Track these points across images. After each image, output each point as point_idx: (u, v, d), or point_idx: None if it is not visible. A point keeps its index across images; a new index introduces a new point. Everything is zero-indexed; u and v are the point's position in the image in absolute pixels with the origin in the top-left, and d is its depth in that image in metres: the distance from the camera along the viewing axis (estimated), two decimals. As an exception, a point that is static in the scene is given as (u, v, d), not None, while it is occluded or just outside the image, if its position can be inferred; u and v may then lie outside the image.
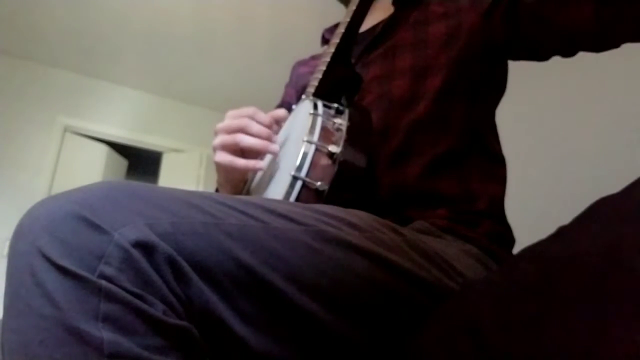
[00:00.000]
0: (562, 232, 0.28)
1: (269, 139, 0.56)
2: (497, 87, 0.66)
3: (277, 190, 0.50)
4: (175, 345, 0.27)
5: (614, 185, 0.30)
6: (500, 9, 0.59)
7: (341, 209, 0.41)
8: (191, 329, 0.28)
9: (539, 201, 2.15)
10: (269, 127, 0.57)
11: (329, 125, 0.51)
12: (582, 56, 0.57)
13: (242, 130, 0.56)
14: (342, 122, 0.52)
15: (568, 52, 0.55)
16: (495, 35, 0.60)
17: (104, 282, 0.25)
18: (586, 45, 0.53)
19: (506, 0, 0.58)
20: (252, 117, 0.57)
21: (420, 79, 0.61)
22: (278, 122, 0.62)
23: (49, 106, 3.19)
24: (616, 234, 0.23)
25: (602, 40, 0.51)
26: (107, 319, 0.25)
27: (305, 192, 0.47)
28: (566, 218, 0.29)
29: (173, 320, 0.27)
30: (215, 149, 0.58)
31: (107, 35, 2.85)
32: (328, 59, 0.60)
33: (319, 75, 0.60)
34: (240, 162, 0.55)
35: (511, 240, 0.60)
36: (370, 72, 0.65)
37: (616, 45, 0.51)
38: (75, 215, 0.27)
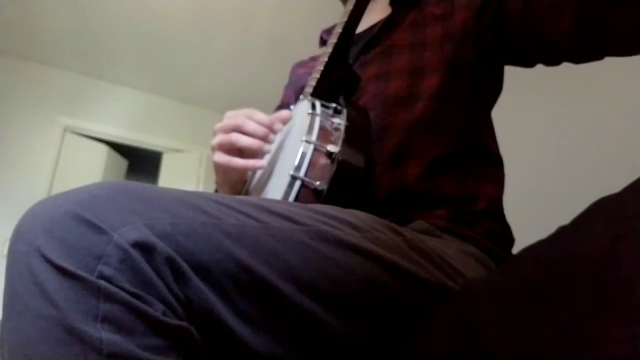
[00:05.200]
0: (562, 232, 0.28)
1: (265, 137, 0.56)
2: (494, 87, 0.66)
3: (276, 190, 0.50)
4: (174, 345, 0.27)
5: (614, 185, 0.30)
6: (490, 10, 0.59)
7: (340, 209, 0.41)
8: (190, 329, 0.28)
9: (539, 201, 2.16)
10: (268, 126, 0.57)
11: (327, 124, 0.52)
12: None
13: (238, 129, 0.56)
14: (340, 121, 0.52)
15: (551, 62, 0.56)
16: (486, 35, 0.60)
17: (103, 283, 0.25)
18: (566, 56, 0.53)
19: (495, 2, 0.58)
20: (249, 117, 0.57)
21: (417, 79, 0.61)
22: (284, 123, 0.61)
23: (49, 106, 3.20)
24: (616, 234, 0.23)
25: (582, 52, 0.51)
26: (106, 319, 0.25)
27: (304, 192, 0.47)
28: (566, 218, 0.29)
29: (172, 320, 0.27)
30: (213, 150, 0.58)
31: (107, 35, 2.85)
32: (326, 59, 0.60)
33: (317, 75, 0.60)
34: (238, 161, 0.55)
35: (511, 240, 0.61)
36: (368, 72, 0.65)
37: (599, 57, 0.51)
38: (75, 215, 0.27)
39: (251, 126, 0.56)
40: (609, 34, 0.47)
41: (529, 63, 0.59)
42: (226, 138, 0.56)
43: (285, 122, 0.60)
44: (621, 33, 0.46)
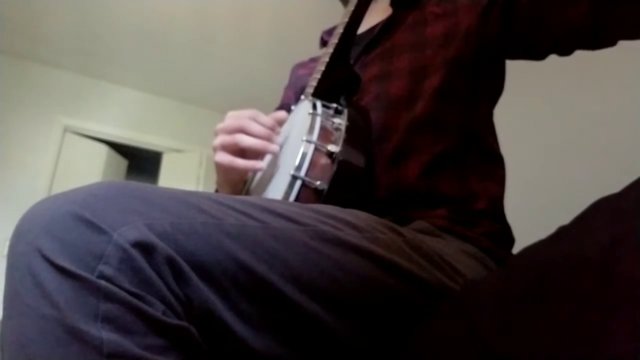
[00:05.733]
0: (562, 232, 0.28)
1: (268, 139, 0.56)
2: (495, 86, 0.66)
3: (276, 190, 0.50)
4: (174, 345, 0.27)
5: (614, 185, 0.30)
6: (497, 8, 0.59)
7: (340, 209, 0.41)
8: (190, 329, 0.28)
9: (539, 201, 2.15)
10: (270, 128, 0.57)
11: (328, 124, 0.52)
12: (581, 55, 0.57)
13: (242, 130, 0.56)
14: (341, 121, 0.52)
15: (564, 51, 0.55)
16: (492, 34, 0.60)
17: (103, 282, 0.25)
18: (582, 43, 0.53)
19: (502, 0, 0.58)
20: (253, 118, 0.57)
21: (419, 79, 0.61)
22: (280, 124, 0.62)
23: (49, 106, 3.20)
24: (616, 234, 0.23)
25: (598, 37, 0.51)
26: (106, 319, 0.25)
27: (304, 192, 0.47)
28: (566, 218, 0.29)
29: (172, 320, 0.27)
30: (215, 150, 0.58)
31: (107, 35, 2.85)
32: (327, 60, 0.60)
33: (318, 76, 0.60)
34: (240, 162, 0.55)
35: (511, 240, 0.60)
36: (369, 73, 0.65)
37: (612, 43, 0.51)
38: (75, 215, 0.27)
39: (255, 127, 0.56)
40: (625, 16, 0.46)
41: (540, 55, 0.59)
42: (230, 138, 0.56)
43: (281, 122, 0.60)
44: (635, 16, 0.45)
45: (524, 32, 0.57)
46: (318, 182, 0.47)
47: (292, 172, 0.47)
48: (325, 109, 0.54)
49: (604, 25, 0.49)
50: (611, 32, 0.49)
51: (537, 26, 0.55)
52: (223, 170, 0.62)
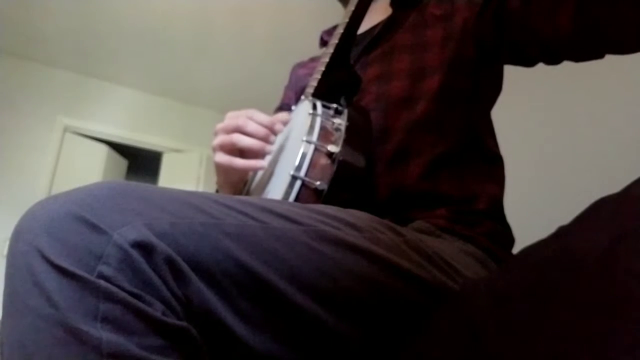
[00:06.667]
0: (562, 232, 0.28)
1: (266, 138, 0.56)
2: (494, 86, 0.66)
3: (276, 190, 0.50)
4: (174, 345, 0.27)
5: (614, 185, 0.30)
6: (491, 9, 0.59)
7: (340, 209, 0.41)
8: (190, 329, 0.28)
9: (539, 201, 2.15)
10: (268, 127, 0.57)
11: (328, 125, 0.52)
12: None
13: (239, 130, 0.56)
14: (341, 122, 0.52)
15: (552, 60, 0.56)
16: (487, 35, 0.60)
17: (102, 282, 0.25)
18: (566, 54, 0.53)
19: (495, 1, 0.59)
20: (250, 117, 0.57)
21: (418, 80, 0.61)
22: (284, 124, 0.62)
23: (49, 106, 3.20)
24: (616, 234, 0.23)
25: (581, 51, 0.51)
26: (106, 319, 0.25)
27: (304, 192, 0.47)
28: (566, 218, 0.29)
29: (172, 320, 0.27)
30: (214, 150, 0.59)
31: (107, 35, 2.85)
32: (327, 60, 0.60)
33: (318, 76, 0.60)
34: (239, 162, 0.55)
35: (511, 240, 0.61)
36: (369, 73, 0.65)
37: (599, 56, 0.51)
38: (75, 215, 0.27)
39: (252, 127, 0.56)
40: (607, 32, 0.47)
41: (529, 62, 0.59)
42: (227, 138, 0.56)
43: (284, 123, 0.60)
44: (619, 32, 0.46)
45: (513, 38, 0.58)
46: (318, 183, 0.47)
47: (292, 172, 0.47)
48: (325, 109, 0.54)
49: (586, 38, 0.49)
50: (594, 46, 0.49)
51: (525, 34, 0.55)
52: (223, 171, 0.62)
